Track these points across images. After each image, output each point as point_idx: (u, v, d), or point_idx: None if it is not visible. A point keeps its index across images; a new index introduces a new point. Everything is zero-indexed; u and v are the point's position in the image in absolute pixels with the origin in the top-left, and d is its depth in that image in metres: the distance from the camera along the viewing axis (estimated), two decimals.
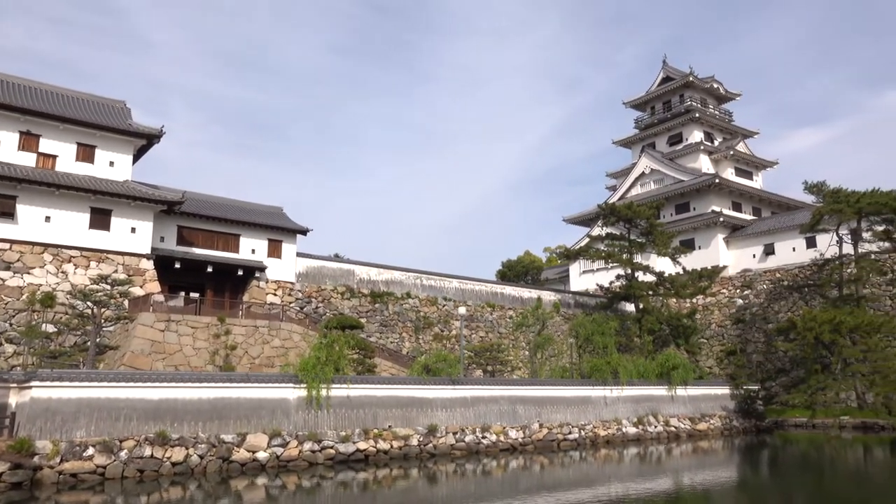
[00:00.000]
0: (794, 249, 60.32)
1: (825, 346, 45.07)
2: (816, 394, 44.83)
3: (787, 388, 50.40)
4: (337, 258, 53.27)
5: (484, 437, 32.14)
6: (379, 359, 40.49)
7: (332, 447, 27.25)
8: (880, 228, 49.28)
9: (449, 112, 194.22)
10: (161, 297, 36.75)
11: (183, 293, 40.12)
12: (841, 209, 48.33)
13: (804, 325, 44.72)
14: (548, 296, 60.20)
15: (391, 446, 28.92)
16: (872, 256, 51.10)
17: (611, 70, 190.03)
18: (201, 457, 24.08)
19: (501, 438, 32.70)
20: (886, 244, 49.77)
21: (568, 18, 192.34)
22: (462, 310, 37.46)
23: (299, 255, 46.84)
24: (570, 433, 35.48)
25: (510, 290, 58.60)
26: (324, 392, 28.54)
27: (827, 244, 53.40)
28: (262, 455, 25.31)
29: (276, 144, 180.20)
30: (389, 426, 30.01)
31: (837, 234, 51.08)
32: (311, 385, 28.29)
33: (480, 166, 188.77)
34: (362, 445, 28.06)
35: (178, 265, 40.45)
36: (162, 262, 40.06)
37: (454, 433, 31.39)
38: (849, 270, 50.74)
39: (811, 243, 57.97)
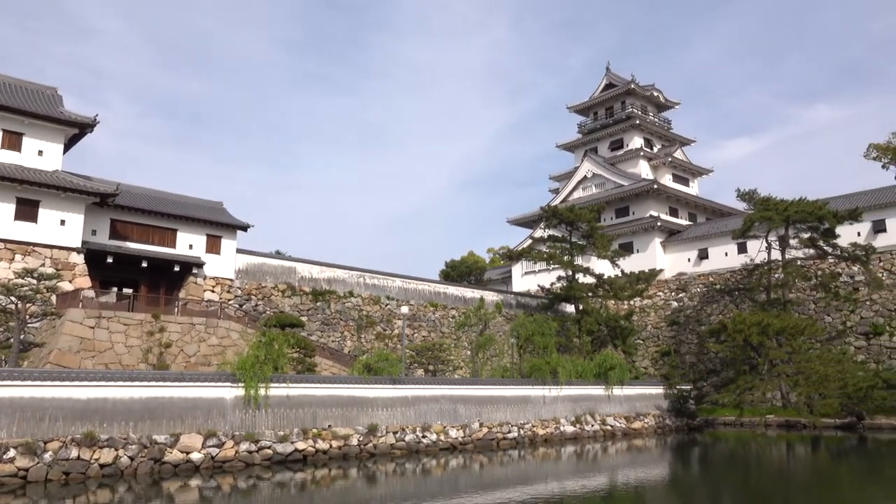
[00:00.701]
0: (726, 254, 62.61)
1: (753, 348, 46.86)
2: (744, 393, 46.55)
3: (717, 387, 52.22)
4: (278, 255, 52.38)
5: (424, 437, 32.17)
6: (320, 358, 40.03)
7: (269, 447, 26.78)
8: (806, 236, 51.60)
9: (396, 110, 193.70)
10: (91, 293, 35.33)
11: (115, 289, 38.73)
12: (770, 217, 50.38)
13: (734, 327, 46.38)
14: (490, 296, 60.73)
15: (331, 446, 28.63)
16: (798, 262, 53.47)
17: (558, 74, 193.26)
18: (132, 458, 23.28)
19: (442, 438, 32.80)
20: (811, 251, 52.14)
21: (518, 23, 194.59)
22: (405, 309, 37.34)
23: (239, 251, 45.86)
24: (509, 432, 35.87)
25: (453, 290, 58.86)
26: (262, 391, 28.01)
27: (757, 250, 55.63)
28: (196, 456, 24.65)
29: (218, 138, 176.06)
30: (329, 426, 29.71)
31: (767, 241, 53.24)
32: (249, 384, 27.72)
33: (427, 166, 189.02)
34: (301, 445, 27.68)
35: (110, 260, 38.97)
36: (93, 256, 38.54)
37: (395, 433, 31.31)
38: (776, 275, 52.97)
39: (742, 249, 60.28)
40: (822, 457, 33.68)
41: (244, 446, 26.15)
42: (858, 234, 54.00)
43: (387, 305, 52.61)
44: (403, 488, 22.79)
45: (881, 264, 52.83)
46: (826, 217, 49.52)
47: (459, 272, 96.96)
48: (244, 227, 45.67)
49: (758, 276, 54.53)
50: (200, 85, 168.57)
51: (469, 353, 53.81)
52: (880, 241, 53.41)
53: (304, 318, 45.14)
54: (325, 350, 43.36)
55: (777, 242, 52.84)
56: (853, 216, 49.66)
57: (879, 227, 54.21)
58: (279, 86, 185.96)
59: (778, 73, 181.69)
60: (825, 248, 51.14)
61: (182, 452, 24.53)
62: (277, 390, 28.65)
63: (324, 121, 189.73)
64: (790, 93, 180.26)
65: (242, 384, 27.66)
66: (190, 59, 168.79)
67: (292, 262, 49.37)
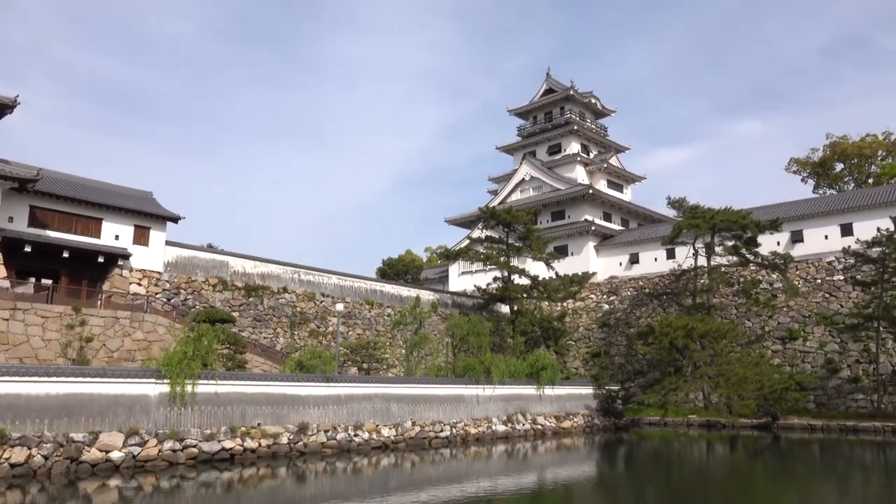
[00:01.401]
0: (655, 260, 64.66)
1: (679, 350, 48.53)
2: (669, 394, 48.15)
3: (644, 388, 53.84)
4: (210, 249, 50.98)
5: (356, 435, 31.94)
6: (251, 354, 39.25)
7: (195, 446, 26.02)
8: (730, 244, 53.84)
9: (332, 105, 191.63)
10: (6, 283, 33.54)
11: (33, 279, 36.87)
12: (697, 224, 52.32)
13: (661, 330, 47.90)
14: (427, 295, 60.82)
15: (260, 445, 28.06)
16: (722, 269, 55.75)
17: (497, 78, 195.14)
18: (46, 457, 22.20)
19: (374, 436, 32.63)
20: (734, 258, 54.44)
21: (458, 25, 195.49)
22: (340, 306, 37.02)
23: (169, 243, 44.39)
24: (441, 431, 36.01)
25: (389, 289, 58.66)
26: (189, 388, 27.19)
27: (684, 256, 57.66)
28: (116, 455, 23.71)
29: (148, 126, 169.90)
30: (259, 424, 29.12)
31: (694, 247, 55.27)
32: (175, 381, 26.85)
33: (365, 162, 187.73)
34: (228, 444, 27.01)
35: (28, 249, 36.98)
36: (9, 244, 36.53)
37: (326, 431, 30.95)
38: (702, 281, 55.06)
39: (671, 255, 62.37)
40: (739, 455, 35.20)
41: (168, 445, 25.34)
42: (778, 244, 56.76)
43: (322, 302, 51.97)
44: (333, 488, 22.56)
45: (798, 272, 55.65)
46: (749, 226, 51.79)
47: (396, 270, 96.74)
48: (175, 219, 44.21)
49: (685, 281, 56.57)
50: (127, 68, 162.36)
51: (404, 351, 53.72)
52: (798, 251, 56.30)
53: (235, 314, 44.10)
54: (257, 347, 42.50)
55: (703, 249, 54.91)
56: (774, 226, 52.10)
57: (797, 238, 57.13)
58: (212, 76, 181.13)
59: (705, 88, 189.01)
60: (747, 255, 53.51)
61: (101, 451, 23.56)
62: (205, 387, 27.89)
63: (258, 113, 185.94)
64: (716, 107, 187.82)
65: (168, 381, 26.79)
66: (119, 42, 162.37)
67: (225, 257, 48.14)
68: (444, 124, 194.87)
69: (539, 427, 42.35)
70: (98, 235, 40.61)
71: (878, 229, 47.73)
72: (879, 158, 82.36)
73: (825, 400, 49.12)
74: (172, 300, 43.00)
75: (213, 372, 28.78)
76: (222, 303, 45.48)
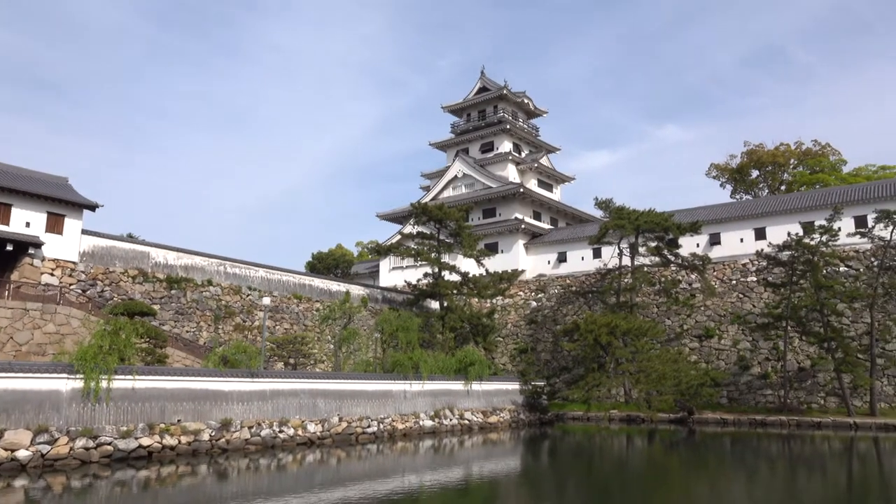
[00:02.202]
0: (582, 259, 66.31)
1: (602, 347, 49.90)
2: (592, 389, 49.49)
3: (568, 384, 55.12)
4: (130, 239, 48.91)
5: (281, 431, 31.40)
6: (172, 349, 38.02)
7: (110, 444, 24.96)
8: (653, 244, 55.81)
9: (262, 95, 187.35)
10: None
11: None
12: (623, 225, 53.98)
13: (586, 327, 49.14)
14: (357, 290, 60.34)
15: (179, 442, 27.18)
16: (645, 269, 57.73)
17: (430, 74, 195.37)
18: None
19: (300, 432, 32.16)
20: (657, 259, 56.48)
21: (394, 19, 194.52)
22: (266, 300, 36.19)
23: (85, 232, 42.36)
24: (369, 426, 35.84)
25: (319, 283, 57.89)
26: (104, 384, 26.04)
27: (610, 256, 59.41)
28: (23, 454, 22.47)
29: (64, 108, 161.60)
30: (179, 420, 28.21)
31: (619, 247, 56.99)
32: (89, 376, 25.66)
33: (295, 154, 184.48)
34: (146, 441, 26.04)
35: None
36: None
37: (250, 427, 30.30)
38: (626, 280, 56.85)
39: (597, 254, 64.10)
40: (656, 448, 36.56)
41: (80, 443, 24.21)
42: (697, 246, 59.23)
43: (248, 296, 50.78)
44: (256, 485, 22.10)
45: (715, 273, 58.24)
46: (671, 228, 53.83)
47: (326, 265, 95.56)
48: (92, 207, 42.20)
49: (609, 279, 58.26)
50: (40, 46, 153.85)
51: (332, 346, 53.13)
52: (715, 253, 58.93)
53: (156, 307, 42.55)
54: (179, 341, 41.17)
55: (628, 249, 56.70)
56: (694, 229, 54.32)
57: (715, 240, 59.78)
58: (140, 60, 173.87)
59: (633, 93, 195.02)
60: (669, 256, 55.61)
61: (6, 450, 22.29)
62: (122, 383, 26.79)
63: (183, 99, 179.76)
64: (643, 112, 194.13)
65: (82, 376, 25.58)
66: (39, 21, 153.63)
67: (145, 247, 46.32)
68: (378, 118, 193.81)
69: (466, 422, 42.75)
70: (7, 222, 38.32)
71: (789, 234, 50.54)
72: (791, 167, 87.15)
73: (737, 395, 51.62)
74: (88, 292, 41.09)
75: (131, 367, 27.66)
76: (142, 295, 43.79)
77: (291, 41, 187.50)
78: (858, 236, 48.64)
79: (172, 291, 45.88)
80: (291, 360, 43.59)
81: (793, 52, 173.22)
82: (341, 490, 20.32)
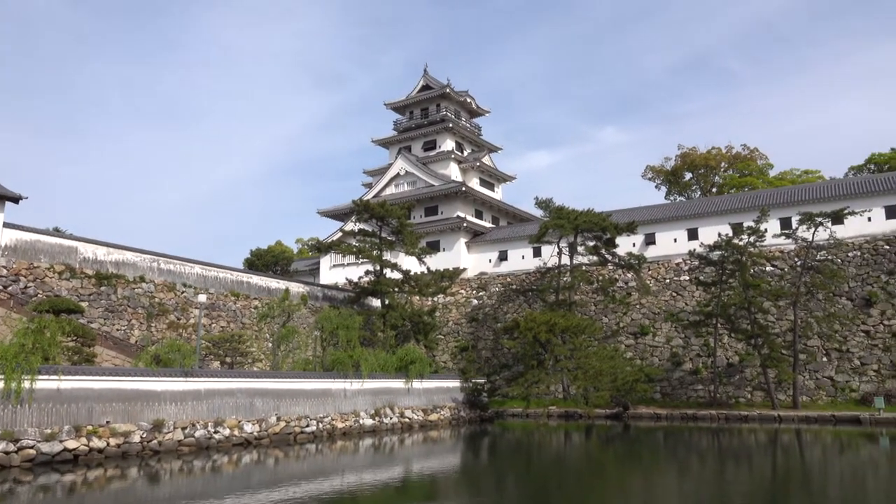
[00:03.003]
0: (523, 257, 67.14)
1: (541, 345, 50.67)
2: (531, 386, 50.16)
3: (508, 381, 55.72)
4: (56, 233, 46.79)
5: (217, 432, 30.64)
6: (102, 348, 36.63)
7: (32, 447, 23.85)
8: (591, 244, 57.01)
9: (198, 86, 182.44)
10: None
11: None
12: (562, 225, 54.92)
13: (526, 325, 49.81)
14: (296, 287, 59.44)
15: (108, 444, 26.19)
16: (584, 268, 58.90)
17: (376, 71, 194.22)
18: None
19: (236, 433, 31.46)
20: (595, 258, 57.72)
21: (337, 14, 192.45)
22: (202, 297, 35.27)
23: (7, 225, 40.26)
24: (308, 426, 35.37)
25: (257, 280, 56.74)
26: (27, 384, 24.83)
27: (549, 254, 60.34)
28: None
29: None
30: (108, 422, 27.18)
31: (558, 247, 57.96)
32: (10, 376, 24.41)
33: (234, 148, 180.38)
34: (72, 444, 24.98)
35: None
36: None
37: (183, 428, 29.46)
38: (565, 279, 57.89)
39: (537, 253, 65.03)
40: (592, 443, 37.38)
41: (0, 446, 23.03)
42: (634, 245, 60.81)
43: (183, 293, 49.32)
44: (189, 487, 21.48)
45: (650, 272, 59.94)
46: (609, 228, 55.08)
47: (265, 261, 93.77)
48: (15, 199, 40.08)
49: (549, 278, 59.21)
50: None
51: (271, 345, 52.17)
52: (651, 252, 60.65)
53: (84, 304, 40.81)
54: (109, 339, 39.69)
55: (567, 248, 57.73)
56: (630, 229, 55.74)
57: (650, 240, 61.53)
58: (71, 47, 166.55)
59: (572, 95, 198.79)
60: (606, 255, 56.90)
61: None
62: (46, 383, 25.61)
63: (116, 89, 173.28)
64: (582, 113, 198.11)
65: (2, 376, 24.32)
66: None
67: (73, 242, 44.38)
68: (321, 114, 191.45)
69: (407, 420, 42.69)
70: None
71: (719, 234, 52.52)
72: (722, 170, 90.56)
73: (670, 390, 53.27)
74: (10, 288, 39.09)
75: (56, 366, 26.49)
76: (69, 292, 41.95)
77: (232, 32, 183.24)
78: (783, 237, 50.94)
79: (102, 288, 44.13)
80: (228, 359, 42.60)
81: (724, 60, 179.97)
82: (279, 491, 19.97)
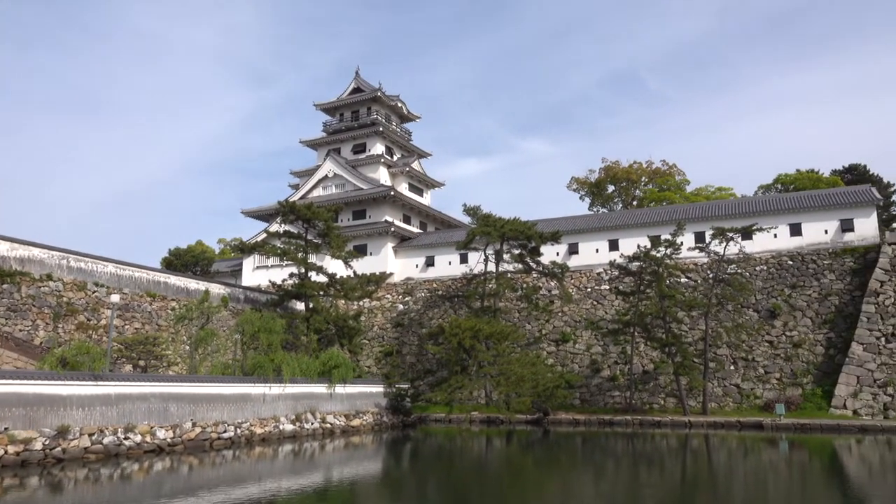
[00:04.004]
0: (450, 263, 67.58)
1: (466, 351, 50.99)
2: (455, 392, 50.41)
3: (432, 386, 55.84)
4: None
5: (127, 438, 29.34)
6: (2, 349, 34.46)
7: None
8: (517, 252, 57.98)
9: (124, 79, 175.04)
10: None
11: None
12: (489, 232, 55.64)
13: (451, 331, 50.04)
14: (217, 289, 57.71)
15: (6, 452, 24.67)
16: (509, 275, 59.81)
17: (304, 70, 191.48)
18: None
19: (148, 439, 30.22)
20: (520, 266, 58.72)
21: (265, 9, 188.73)
22: (115, 297, 33.73)
23: None
24: (225, 432, 34.34)
25: (175, 280, 54.74)
26: None
27: (476, 261, 60.98)
28: None
29: None
30: (6, 428, 25.58)
31: (485, 254, 58.65)
32: None
33: (154, 144, 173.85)
34: None
35: None
36: None
37: (91, 434, 28.05)
38: (490, 285, 58.61)
39: (464, 259, 65.60)
40: (513, 448, 37.98)
41: None
42: (557, 254, 62.27)
43: (94, 293, 47.03)
44: (95, 497, 20.46)
45: (572, 281, 61.48)
46: (534, 237, 56.18)
47: (184, 261, 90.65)
48: None
49: (475, 285, 59.82)
50: None
51: (188, 348, 50.40)
52: (573, 262, 62.25)
53: None
54: (10, 340, 37.41)
55: (493, 256, 58.50)
56: (554, 238, 57.03)
57: (574, 250, 63.15)
58: None
59: (501, 106, 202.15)
60: (531, 264, 57.99)
61: None
62: None
63: (26, 77, 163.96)
64: (513, 124, 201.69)
65: None
66: None
67: None
68: (247, 112, 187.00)
69: (328, 426, 42.12)
70: None
71: (639, 246, 54.42)
72: (643, 184, 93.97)
73: (588, 397, 54.71)
74: None
75: None
76: None
77: (155, 24, 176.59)
78: (697, 250, 53.30)
79: (4, 286, 41.53)
80: (142, 362, 40.90)
81: (647, 78, 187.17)
82: (190, 500, 19.31)
